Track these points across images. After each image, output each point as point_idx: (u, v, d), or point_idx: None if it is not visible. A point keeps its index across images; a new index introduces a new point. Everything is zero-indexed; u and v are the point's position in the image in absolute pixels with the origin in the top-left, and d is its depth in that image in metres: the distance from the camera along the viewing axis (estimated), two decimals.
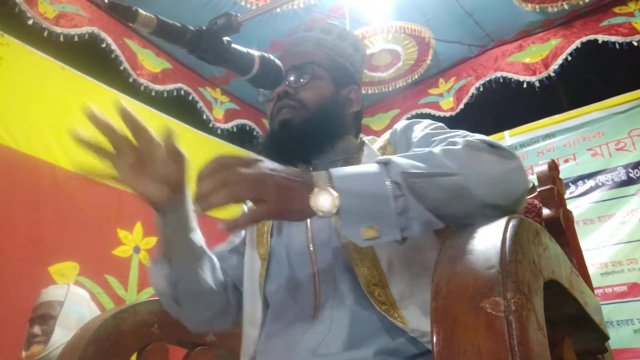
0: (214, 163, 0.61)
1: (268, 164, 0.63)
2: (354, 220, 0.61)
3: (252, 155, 0.64)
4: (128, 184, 0.73)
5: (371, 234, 0.60)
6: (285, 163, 0.99)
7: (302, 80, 0.95)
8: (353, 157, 0.95)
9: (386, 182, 0.61)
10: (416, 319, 0.73)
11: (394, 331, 0.73)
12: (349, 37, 1.04)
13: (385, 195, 0.60)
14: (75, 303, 1.83)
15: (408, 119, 3.11)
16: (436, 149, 0.67)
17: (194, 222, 0.84)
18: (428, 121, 0.92)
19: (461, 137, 0.74)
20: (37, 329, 1.73)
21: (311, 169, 0.96)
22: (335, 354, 0.73)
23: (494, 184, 0.65)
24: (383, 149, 0.94)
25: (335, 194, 0.60)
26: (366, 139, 1.02)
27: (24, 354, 1.72)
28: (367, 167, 0.65)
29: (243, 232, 1.03)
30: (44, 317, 1.76)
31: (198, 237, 0.86)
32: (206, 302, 0.90)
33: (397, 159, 0.64)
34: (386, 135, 0.97)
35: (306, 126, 0.92)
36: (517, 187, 0.69)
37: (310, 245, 0.84)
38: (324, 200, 0.60)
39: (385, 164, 0.64)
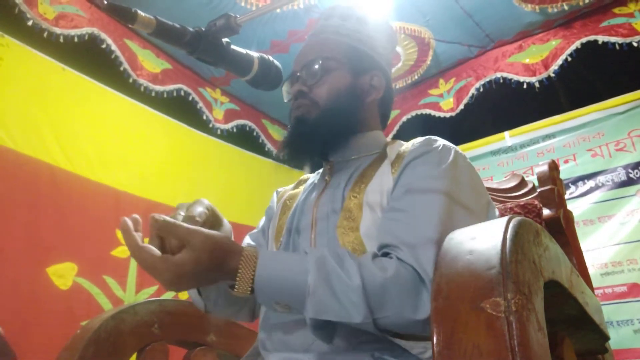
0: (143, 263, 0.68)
1: (192, 263, 0.66)
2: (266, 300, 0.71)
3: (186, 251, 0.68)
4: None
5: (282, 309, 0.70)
6: (303, 159, 1.04)
7: (313, 77, 0.95)
8: (372, 165, 0.92)
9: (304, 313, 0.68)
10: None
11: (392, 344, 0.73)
12: (371, 19, 1.02)
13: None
14: None
15: (408, 119, 3.15)
16: (364, 273, 0.67)
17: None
18: (431, 168, 0.81)
19: (401, 259, 0.70)
20: None
21: (329, 167, 0.99)
22: (329, 353, 0.73)
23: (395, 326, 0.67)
24: (395, 166, 0.88)
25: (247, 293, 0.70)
26: (389, 143, 0.97)
27: None
28: (293, 277, 0.69)
29: (266, 220, 1.09)
30: None
31: None
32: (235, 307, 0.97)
33: (321, 282, 0.67)
34: (407, 147, 0.90)
35: (318, 123, 0.93)
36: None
37: (313, 246, 0.86)
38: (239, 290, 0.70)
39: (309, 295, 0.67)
